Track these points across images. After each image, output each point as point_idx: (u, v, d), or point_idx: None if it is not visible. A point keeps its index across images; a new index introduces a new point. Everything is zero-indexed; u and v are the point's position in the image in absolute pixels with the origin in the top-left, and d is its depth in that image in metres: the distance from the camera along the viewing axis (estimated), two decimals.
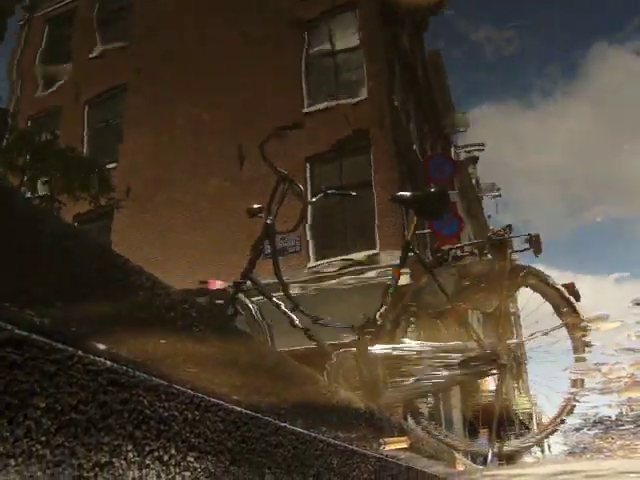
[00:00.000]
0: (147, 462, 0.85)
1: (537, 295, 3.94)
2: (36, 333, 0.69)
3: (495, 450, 3.96)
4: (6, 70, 24.51)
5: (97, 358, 0.78)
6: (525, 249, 3.96)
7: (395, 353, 3.93)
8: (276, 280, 4.23)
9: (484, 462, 4.05)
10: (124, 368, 0.82)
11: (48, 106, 22.42)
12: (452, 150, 27.12)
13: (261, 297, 4.13)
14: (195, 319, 1.03)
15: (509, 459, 4.44)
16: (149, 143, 19.93)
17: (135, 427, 0.84)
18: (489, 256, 4.02)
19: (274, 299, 4.09)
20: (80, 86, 22.19)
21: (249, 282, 4.13)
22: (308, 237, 16.37)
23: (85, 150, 19.84)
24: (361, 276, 15.28)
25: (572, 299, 3.92)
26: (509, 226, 4.05)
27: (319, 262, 16.33)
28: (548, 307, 3.97)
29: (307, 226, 15.78)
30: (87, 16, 24.00)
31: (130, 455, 0.82)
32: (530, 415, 28.87)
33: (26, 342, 0.68)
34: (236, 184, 17.72)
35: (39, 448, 0.69)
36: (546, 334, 4.03)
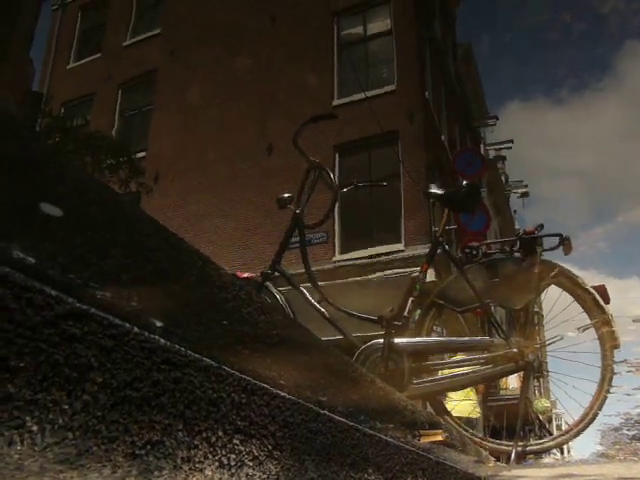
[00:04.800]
0: (196, 442, 0.85)
1: (557, 296, 3.92)
2: (95, 307, 0.69)
3: (519, 449, 3.94)
4: (42, 55, 24.67)
5: (151, 336, 0.78)
6: (554, 247, 3.92)
7: (421, 347, 3.92)
8: (303, 271, 4.22)
9: (507, 461, 4.03)
10: (176, 347, 0.82)
11: (81, 92, 22.59)
12: (482, 147, 26.93)
13: (288, 287, 4.13)
14: (244, 301, 1.03)
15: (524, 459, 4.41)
16: (178, 129, 20.02)
17: (186, 407, 0.83)
18: (519, 254, 3.98)
19: (302, 289, 4.08)
20: (113, 72, 22.33)
21: (277, 273, 4.12)
22: (335, 228, 16.36)
23: (116, 135, 19.95)
24: (386, 271, 15.24)
25: (602, 301, 3.88)
26: (541, 225, 4.01)
27: (345, 255, 16.31)
28: (570, 310, 3.95)
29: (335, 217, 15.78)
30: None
31: (180, 435, 0.82)
32: (550, 417, 28.77)
33: (86, 316, 0.68)
34: (264, 171, 17.77)
35: (95, 423, 0.69)
36: (574, 335, 4.00)
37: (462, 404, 10.28)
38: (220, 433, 0.90)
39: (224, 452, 0.91)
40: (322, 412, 1.21)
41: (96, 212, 0.76)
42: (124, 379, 0.73)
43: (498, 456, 4.46)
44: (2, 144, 0.67)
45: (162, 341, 0.79)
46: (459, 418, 4.67)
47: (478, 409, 10.30)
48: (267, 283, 4.01)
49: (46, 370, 0.63)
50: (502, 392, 20.61)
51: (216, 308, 0.98)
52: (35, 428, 0.62)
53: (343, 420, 1.29)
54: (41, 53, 24.97)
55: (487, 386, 11.20)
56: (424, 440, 1.87)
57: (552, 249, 3.92)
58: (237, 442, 0.94)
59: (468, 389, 10.84)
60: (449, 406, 9.47)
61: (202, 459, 0.86)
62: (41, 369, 0.63)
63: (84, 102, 22.36)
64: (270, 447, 1.03)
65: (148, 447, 0.76)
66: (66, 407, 0.65)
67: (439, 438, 1.97)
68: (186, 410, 0.83)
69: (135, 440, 0.74)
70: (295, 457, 1.09)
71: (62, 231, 0.70)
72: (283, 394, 1.08)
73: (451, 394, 11.01)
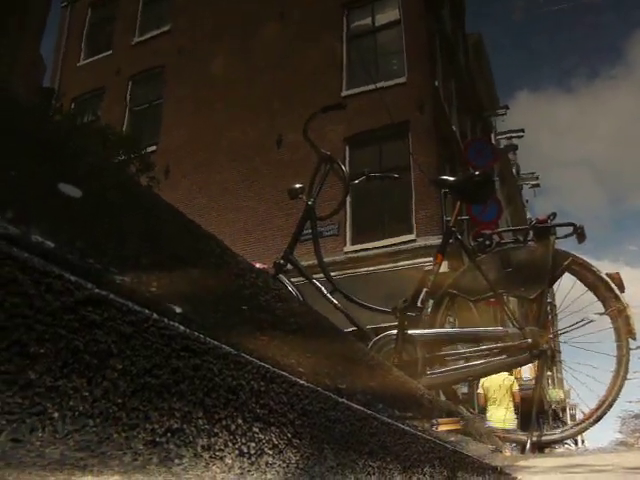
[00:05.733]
0: (215, 430, 0.84)
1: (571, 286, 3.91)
2: (114, 293, 0.68)
3: (534, 439, 3.93)
4: (52, 52, 24.74)
5: (170, 322, 0.77)
6: (568, 235, 3.90)
7: (435, 337, 3.91)
8: (316, 262, 4.21)
9: (522, 450, 4.02)
10: (195, 334, 0.81)
11: (91, 87, 22.65)
12: (492, 136, 26.81)
13: (301, 278, 4.12)
14: (261, 288, 1.02)
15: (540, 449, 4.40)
16: (188, 124, 20.05)
17: (205, 394, 0.83)
18: (532, 243, 3.97)
19: (314, 281, 4.08)
20: (123, 67, 22.38)
21: (289, 264, 4.12)
22: (347, 220, 16.35)
23: (127, 130, 20.00)
24: (398, 262, 15.22)
25: (616, 289, 3.86)
26: (553, 214, 3.99)
27: (356, 246, 16.31)
28: (583, 300, 3.93)
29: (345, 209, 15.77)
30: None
31: (200, 422, 0.81)
32: (564, 407, 28.68)
33: (105, 302, 0.67)
34: (275, 164, 17.78)
35: (115, 410, 0.68)
36: (588, 323, 3.98)
37: (502, 412, 10.25)
38: (240, 421, 0.89)
39: (244, 440, 0.90)
40: (340, 400, 1.20)
41: (115, 197, 0.75)
42: (144, 366, 0.72)
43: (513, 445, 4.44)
44: (18, 126, 0.66)
45: (181, 328, 0.79)
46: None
47: (514, 417, 10.26)
48: (279, 274, 4.01)
49: (66, 356, 0.63)
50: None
51: (234, 295, 0.97)
52: (56, 415, 0.61)
53: (361, 409, 1.29)
54: (51, 49, 25.05)
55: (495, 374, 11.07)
56: (442, 428, 1.87)
57: (566, 237, 3.90)
58: (257, 430, 0.93)
59: (507, 400, 10.85)
60: (490, 416, 9.46)
61: (222, 447, 0.85)
62: (61, 355, 0.62)
63: (94, 97, 22.42)
64: (289, 435, 1.02)
65: (168, 435, 0.75)
66: (86, 394, 0.65)
67: (456, 426, 1.96)
68: (205, 398, 0.83)
69: (155, 427, 0.74)
70: (314, 445, 1.09)
71: (81, 215, 0.69)
72: (302, 382, 1.07)
73: (491, 405, 11.06)
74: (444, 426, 1.90)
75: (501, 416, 9.85)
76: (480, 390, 11.31)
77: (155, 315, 0.74)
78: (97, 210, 0.72)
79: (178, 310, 0.79)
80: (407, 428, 1.53)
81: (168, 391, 0.76)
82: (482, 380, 11.38)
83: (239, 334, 0.93)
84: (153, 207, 0.82)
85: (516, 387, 10.93)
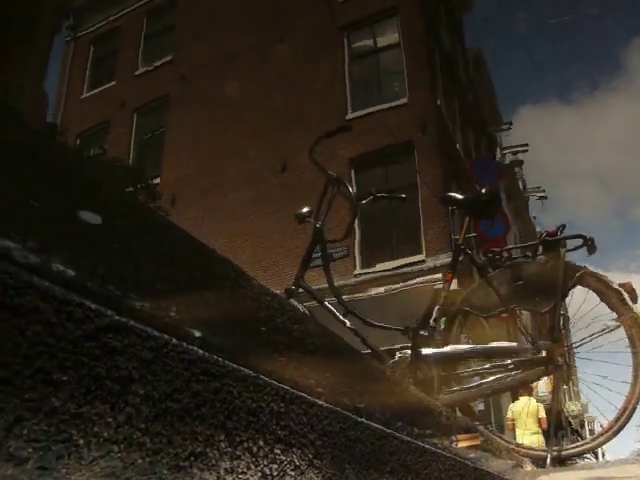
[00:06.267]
0: (238, 453, 0.84)
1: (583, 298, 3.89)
2: (134, 319, 0.69)
3: (554, 454, 3.89)
4: (56, 88, 25.00)
5: (189, 347, 0.77)
6: (578, 247, 3.89)
7: (449, 355, 3.89)
8: (327, 285, 4.20)
9: (543, 465, 3.98)
10: (214, 357, 0.82)
11: (96, 121, 22.86)
12: (498, 152, 26.86)
13: (313, 302, 4.11)
14: (277, 311, 1.03)
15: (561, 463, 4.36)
16: (193, 152, 20.18)
17: (226, 417, 0.83)
18: (542, 256, 3.96)
19: (326, 304, 4.07)
20: (127, 99, 22.60)
21: (301, 288, 4.10)
22: (355, 242, 16.36)
23: (133, 161, 20.18)
24: (408, 282, 15.19)
25: (629, 298, 3.84)
26: (563, 226, 3.98)
27: (366, 269, 16.30)
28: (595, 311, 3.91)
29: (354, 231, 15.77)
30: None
31: (222, 445, 0.81)
32: (582, 421, 28.41)
33: (125, 328, 0.68)
34: (281, 189, 17.83)
35: (139, 435, 0.69)
36: (602, 334, 3.96)
37: (530, 437, 10.24)
38: (261, 443, 0.90)
39: (266, 462, 0.90)
40: (360, 420, 1.20)
41: (132, 224, 0.76)
42: (165, 391, 0.73)
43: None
44: (36, 158, 0.67)
45: (200, 352, 0.79)
46: None
47: (542, 440, 10.24)
48: (291, 300, 4.00)
49: (89, 383, 0.63)
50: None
51: (250, 318, 0.97)
52: (81, 442, 0.62)
53: (380, 427, 1.29)
54: (55, 85, 25.31)
55: (514, 392, 11.16)
56: (461, 445, 1.86)
57: (576, 249, 3.89)
58: (278, 452, 0.93)
59: (535, 425, 10.94)
60: (519, 439, 9.42)
61: (245, 470, 0.85)
62: (84, 382, 0.63)
63: (100, 130, 22.62)
64: (311, 456, 1.02)
65: (192, 459, 0.76)
66: (110, 420, 0.65)
67: (476, 442, 1.95)
68: (227, 420, 0.83)
69: (179, 452, 0.74)
70: (336, 466, 1.09)
71: (99, 243, 0.70)
72: (321, 402, 1.07)
73: (520, 429, 11.08)
74: (464, 442, 1.89)
75: (534, 442, 9.77)
76: (509, 415, 11.55)
77: (174, 340, 0.75)
78: (115, 238, 0.73)
79: (197, 334, 0.79)
80: (427, 446, 1.53)
81: (190, 415, 0.76)
82: (510, 406, 11.69)
83: (257, 356, 0.94)
84: (169, 233, 0.83)
85: (543, 413, 11.05)
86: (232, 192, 19.00)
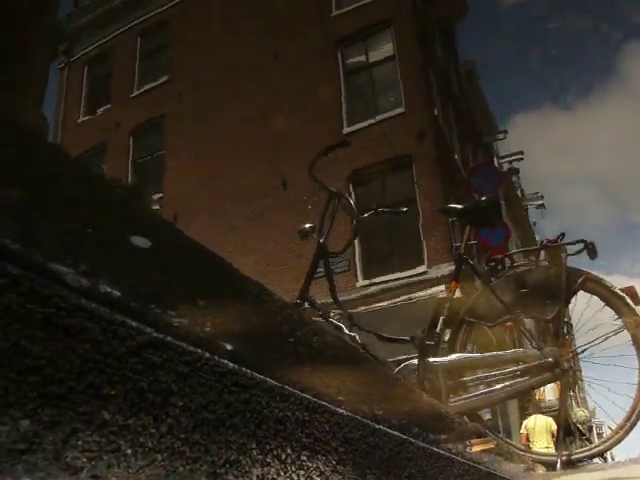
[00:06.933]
0: (268, 460, 0.89)
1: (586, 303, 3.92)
2: (170, 336, 0.74)
3: (564, 458, 3.91)
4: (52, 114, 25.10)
5: (221, 360, 0.82)
6: (579, 251, 3.92)
7: (456, 364, 3.92)
8: (331, 300, 4.23)
9: (553, 469, 3.99)
10: (243, 369, 0.86)
11: (93, 143, 22.94)
12: (495, 160, 26.94)
13: (318, 317, 4.13)
14: (298, 323, 1.07)
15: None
16: (192, 171, 20.25)
17: (256, 426, 0.87)
18: (544, 263, 3.99)
19: (331, 318, 4.10)
20: (123, 120, 22.70)
21: (306, 303, 4.13)
22: (356, 256, 16.39)
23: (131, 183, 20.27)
24: (412, 294, 15.21)
25: (632, 303, 3.87)
26: (562, 234, 4.02)
27: (367, 282, 16.32)
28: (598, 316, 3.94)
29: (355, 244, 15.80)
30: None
31: (254, 453, 0.86)
32: (590, 426, 28.31)
33: (163, 344, 0.72)
34: (281, 206, 17.89)
35: (180, 445, 0.73)
36: (607, 338, 3.98)
37: (545, 450, 10.40)
38: (289, 450, 0.94)
39: (294, 468, 0.94)
40: (378, 427, 1.24)
41: (172, 248, 0.81)
42: (201, 402, 0.77)
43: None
44: (86, 186, 0.72)
45: (230, 364, 0.84)
46: None
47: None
48: None
49: (133, 396, 0.68)
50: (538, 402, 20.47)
51: (273, 331, 1.02)
52: (129, 451, 0.66)
53: (398, 434, 1.33)
54: (51, 110, 25.43)
55: (522, 399, 11.45)
56: (476, 449, 1.89)
57: (577, 253, 3.92)
58: (304, 458, 0.98)
59: (549, 439, 11.25)
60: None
61: (275, 476, 0.90)
62: (129, 396, 0.67)
63: (97, 153, 22.71)
64: (334, 462, 1.06)
65: (227, 466, 0.80)
66: (153, 430, 0.70)
67: (490, 446, 1.98)
68: (257, 429, 0.87)
69: (215, 460, 0.78)
70: (358, 472, 1.13)
71: (143, 265, 0.75)
72: (341, 411, 1.11)
73: (536, 442, 11.33)
74: (477, 447, 1.92)
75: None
76: (523, 430, 12.09)
77: (207, 354, 0.79)
78: (156, 260, 0.78)
79: (228, 347, 0.84)
80: (442, 452, 1.57)
81: (223, 425, 0.81)
82: (524, 422, 12.21)
83: (281, 367, 0.98)
84: (200, 255, 0.88)
85: (554, 427, 11.41)
86: (232, 209, 19.06)
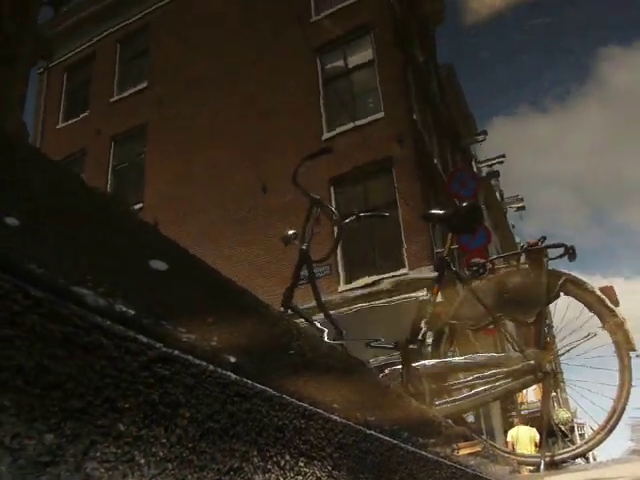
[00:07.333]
0: (269, 467, 0.93)
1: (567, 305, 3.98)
2: (178, 350, 0.77)
3: (547, 459, 3.97)
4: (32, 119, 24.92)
5: (223, 372, 0.86)
6: (560, 255, 3.98)
7: (440, 368, 3.95)
8: (314, 305, 4.26)
9: (537, 470, 4.04)
10: (244, 380, 0.90)
11: (72, 150, 22.80)
12: (473, 164, 27.11)
13: (301, 323, 4.16)
14: (294, 335, 1.11)
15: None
16: (173, 177, 20.20)
17: (257, 434, 0.91)
18: (525, 266, 4.04)
19: (315, 323, 4.12)
20: (103, 127, 22.60)
21: (289, 310, 4.15)
22: (338, 259, 16.41)
23: (111, 190, 20.20)
24: (393, 297, 15.27)
25: (611, 304, 3.92)
26: (543, 238, 4.08)
27: (349, 285, 16.36)
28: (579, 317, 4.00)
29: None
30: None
31: (255, 460, 0.89)
32: (572, 427, 28.54)
33: (170, 358, 0.76)
34: (262, 211, 17.89)
35: (188, 454, 0.77)
36: (587, 340, 4.04)
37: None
38: (287, 457, 0.98)
39: (292, 474, 0.98)
40: (369, 432, 1.28)
41: (182, 268, 0.85)
42: (206, 412, 0.81)
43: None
44: (105, 215, 0.76)
45: (233, 376, 0.88)
46: None
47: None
48: None
49: (146, 409, 0.72)
50: (521, 406, 20.70)
51: (271, 342, 1.06)
52: (142, 461, 0.70)
53: (388, 439, 1.37)
54: (31, 116, 25.25)
55: (505, 401, 11.86)
56: (463, 452, 1.94)
57: (558, 257, 3.97)
58: (302, 464, 1.02)
59: (533, 448, 11.93)
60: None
61: None
62: (142, 408, 0.71)
63: (76, 159, 22.58)
64: (330, 468, 1.10)
65: (231, 473, 0.84)
66: (164, 440, 0.73)
67: (477, 449, 2.03)
68: (258, 437, 0.91)
69: (220, 467, 0.82)
70: (351, 476, 1.17)
71: (157, 286, 0.79)
72: (335, 417, 1.15)
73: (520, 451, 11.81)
74: (464, 450, 1.96)
75: None
76: (509, 439, 12.86)
77: (211, 366, 0.83)
78: (169, 281, 0.82)
79: (232, 359, 0.88)
80: (430, 455, 1.61)
81: (227, 433, 0.85)
82: (510, 431, 13.77)
83: (279, 377, 1.02)
84: (203, 272, 0.91)
85: (537, 437, 12.13)
86: (214, 216, 19.03)
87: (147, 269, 0.78)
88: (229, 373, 0.87)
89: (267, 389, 0.95)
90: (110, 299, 0.68)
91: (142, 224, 0.81)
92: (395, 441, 1.40)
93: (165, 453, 0.73)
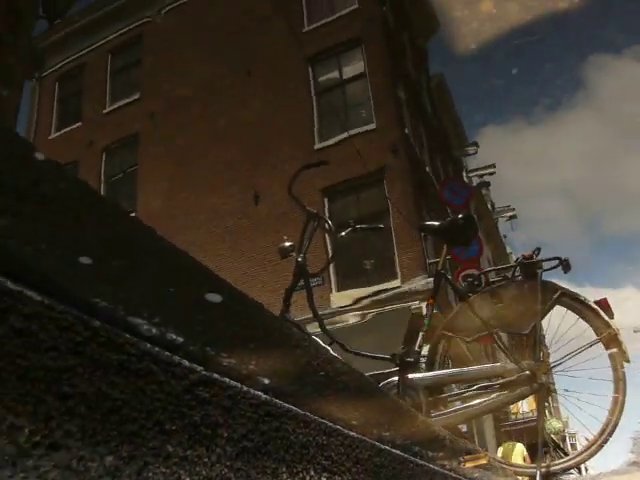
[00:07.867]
0: None
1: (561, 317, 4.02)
2: (216, 373, 0.82)
3: (543, 470, 4.00)
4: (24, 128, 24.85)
5: (254, 392, 0.90)
6: (554, 267, 4.02)
7: (436, 380, 3.98)
8: (310, 316, 4.29)
9: None
10: (274, 400, 0.95)
11: (64, 161, 22.75)
12: (464, 174, 27.22)
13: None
14: (313, 355, 1.16)
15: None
16: (164, 189, 20.19)
17: (285, 451, 0.96)
18: (520, 279, 4.08)
19: (312, 336, 4.15)
20: (95, 138, 22.59)
21: (286, 322, 4.17)
22: (330, 270, 16.43)
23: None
24: (386, 307, 15.30)
25: (605, 315, 3.96)
26: (538, 249, 4.12)
27: (341, 297, 16.37)
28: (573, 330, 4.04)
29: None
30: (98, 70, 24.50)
31: (284, 477, 0.94)
32: (563, 437, 28.60)
33: (209, 381, 0.81)
34: (254, 222, 17.91)
35: (226, 472, 0.81)
36: (582, 351, 4.08)
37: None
38: (312, 472, 1.02)
39: None
40: (383, 447, 1.33)
41: (226, 298, 0.90)
42: (241, 432, 0.86)
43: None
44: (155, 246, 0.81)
45: (263, 396, 0.92)
46: None
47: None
48: None
49: (189, 430, 0.76)
50: (515, 416, 20.85)
51: (295, 362, 1.11)
52: None
53: (400, 453, 1.41)
54: (22, 126, 25.20)
55: (499, 412, 12.07)
56: (469, 465, 1.98)
57: (552, 268, 4.02)
58: (325, 479, 1.06)
59: (524, 460, 12.40)
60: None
61: None
62: (187, 429, 0.75)
63: (69, 171, 22.53)
64: None
65: None
66: (206, 460, 0.78)
67: (483, 461, 2.07)
68: (286, 454, 0.96)
69: None
70: None
71: (206, 316, 0.84)
72: (352, 433, 1.20)
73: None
74: (472, 462, 2.00)
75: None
76: (499, 455, 13.50)
77: (245, 388, 0.88)
78: (216, 312, 0.86)
79: (266, 381, 0.93)
80: (437, 468, 1.66)
81: (260, 451, 0.89)
82: (499, 448, 14.40)
83: (302, 396, 1.07)
84: (241, 301, 0.96)
85: (525, 453, 13.27)
86: (205, 228, 19.05)
87: (203, 301, 0.83)
88: (260, 393, 0.91)
89: (293, 408, 1.00)
90: (162, 328, 0.72)
91: (196, 261, 0.86)
92: (406, 455, 1.45)
93: (207, 472, 0.77)
